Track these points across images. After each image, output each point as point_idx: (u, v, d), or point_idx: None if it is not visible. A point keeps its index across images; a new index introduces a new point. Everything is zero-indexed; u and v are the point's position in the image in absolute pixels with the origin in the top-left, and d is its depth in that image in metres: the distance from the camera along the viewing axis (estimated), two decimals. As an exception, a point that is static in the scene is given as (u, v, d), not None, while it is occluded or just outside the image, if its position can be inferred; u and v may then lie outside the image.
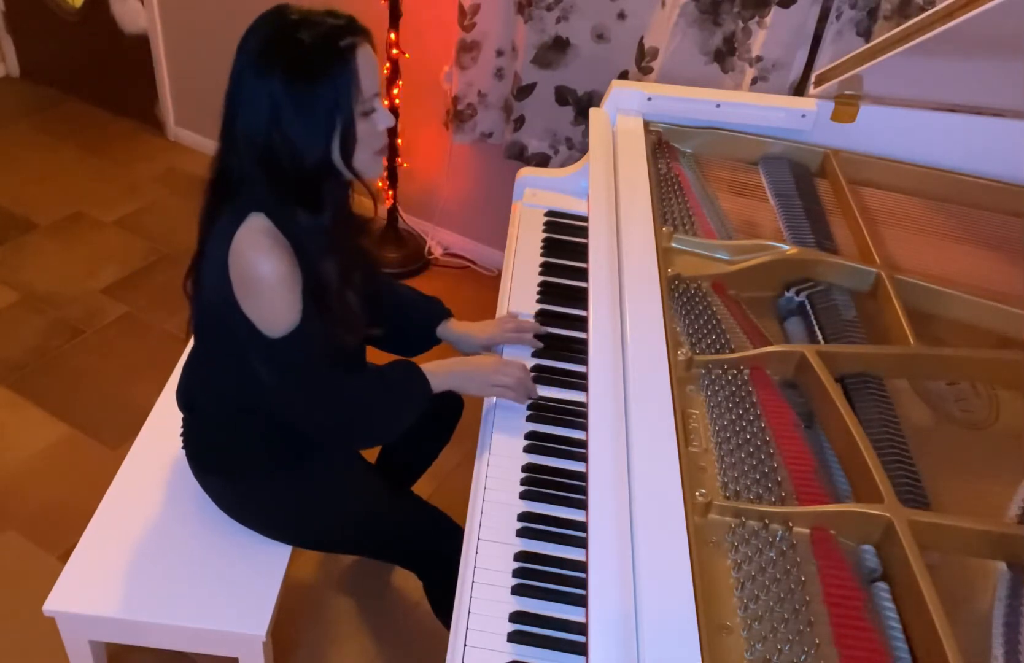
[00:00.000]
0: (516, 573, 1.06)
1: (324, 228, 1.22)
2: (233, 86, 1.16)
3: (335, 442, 1.39)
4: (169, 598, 1.34)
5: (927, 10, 1.35)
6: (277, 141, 1.14)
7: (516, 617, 1.01)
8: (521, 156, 2.52)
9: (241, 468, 1.39)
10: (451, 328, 1.51)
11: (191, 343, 1.41)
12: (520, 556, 1.08)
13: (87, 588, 1.34)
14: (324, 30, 1.13)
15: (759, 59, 2.03)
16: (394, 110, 2.66)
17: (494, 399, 1.30)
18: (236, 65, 1.16)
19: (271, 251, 1.15)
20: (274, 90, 1.12)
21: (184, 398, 1.43)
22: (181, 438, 1.45)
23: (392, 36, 2.53)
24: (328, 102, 1.14)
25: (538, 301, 1.50)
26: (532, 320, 1.45)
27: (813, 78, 1.65)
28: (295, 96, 1.12)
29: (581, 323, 1.42)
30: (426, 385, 1.32)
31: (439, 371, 1.33)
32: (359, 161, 1.21)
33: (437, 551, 1.45)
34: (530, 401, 1.31)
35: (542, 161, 2.51)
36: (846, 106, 1.60)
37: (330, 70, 1.13)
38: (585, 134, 2.38)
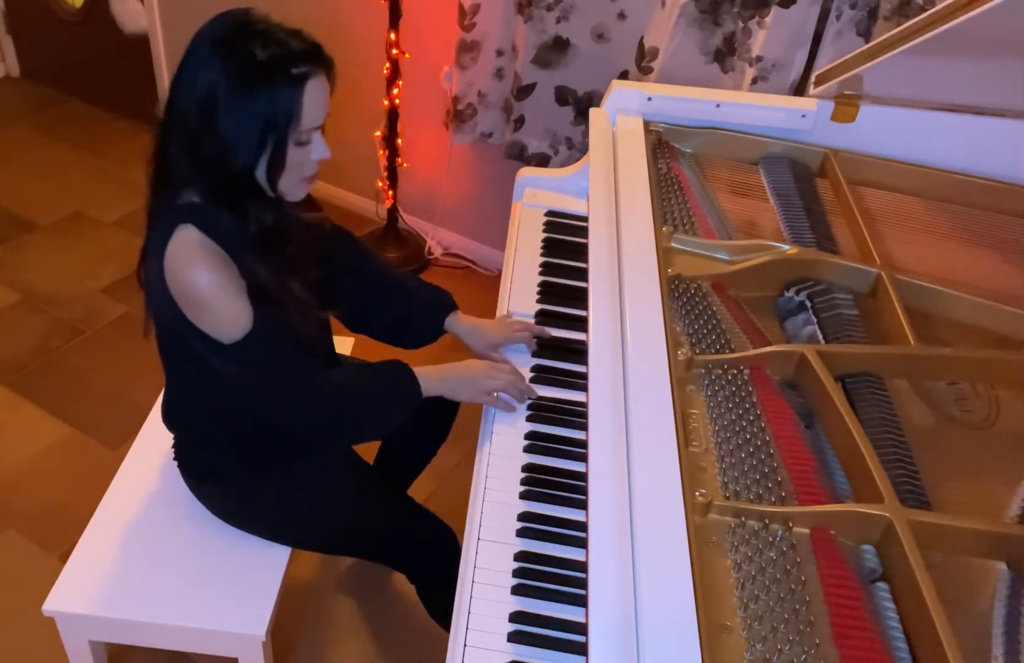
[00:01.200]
0: (516, 573, 1.06)
1: (251, 234, 1.19)
2: (181, 63, 1.15)
3: (319, 437, 1.37)
4: (169, 598, 1.34)
5: (927, 10, 1.35)
6: (207, 134, 1.13)
7: (516, 617, 1.01)
8: (521, 156, 2.52)
9: (232, 474, 1.40)
10: (459, 321, 1.49)
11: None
12: (520, 556, 1.08)
13: (87, 588, 1.34)
14: (280, 52, 1.11)
15: (759, 59, 2.03)
16: (394, 110, 2.66)
17: (494, 399, 1.30)
18: (190, 44, 1.14)
19: (203, 262, 1.14)
20: (215, 82, 1.10)
21: (168, 416, 1.43)
22: (172, 450, 1.46)
23: (392, 36, 2.53)
24: (262, 120, 1.12)
25: (538, 301, 1.50)
26: (534, 322, 1.45)
27: (813, 78, 1.65)
28: (232, 98, 1.10)
29: (581, 323, 1.42)
30: (416, 387, 1.31)
31: (432, 375, 1.33)
32: (284, 183, 1.20)
33: (432, 555, 1.45)
34: (529, 401, 1.31)
35: (542, 161, 2.51)
36: (846, 106, 1.60)
37: (273, 91, 1.11)
38: (585, 134, 2.37)
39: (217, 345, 1.18)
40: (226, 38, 1.12)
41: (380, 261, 1.56)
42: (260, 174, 1.17)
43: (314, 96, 1.14)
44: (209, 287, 1.14)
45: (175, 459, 1.45)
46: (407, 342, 1.54)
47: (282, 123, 1.13)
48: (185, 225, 1.15)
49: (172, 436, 1.47)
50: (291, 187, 1.22)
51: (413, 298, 1.53)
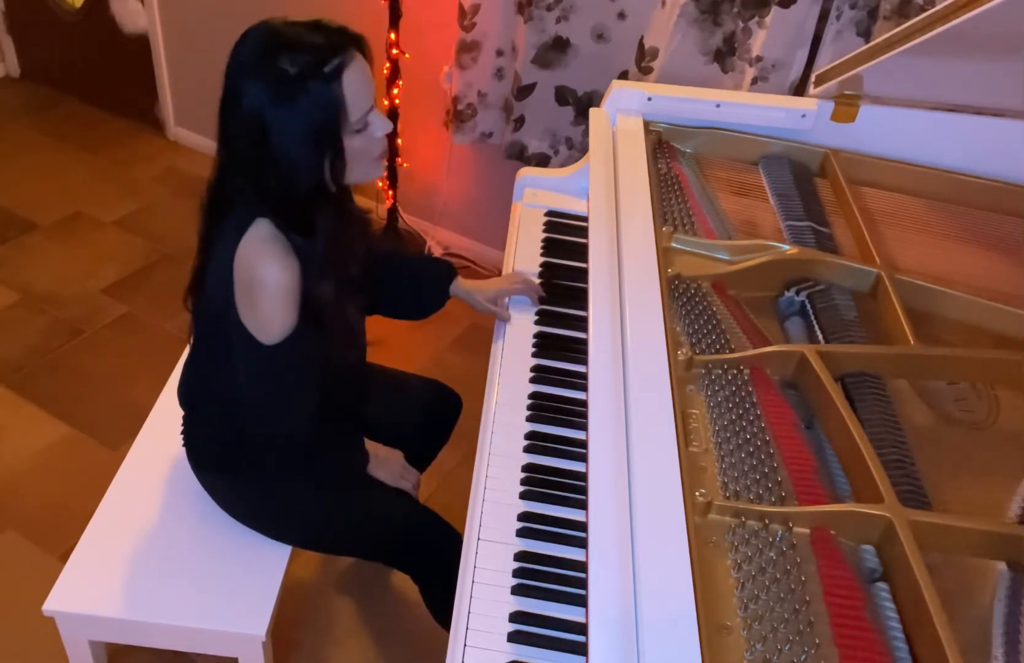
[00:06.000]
0: (516, 573, 1.06)
1: (318, 252, 1.20)
2: (224, 104, 1.15)
3: (277, 455, 1.38)
4: (169, 598, 1.34)
5: (927, 10, 1.35)
6: (266, 162, 1.14)
7: (516, 617, 1.01)
8: (521, 156, 2.52)
9: (239, 466, 1.40)
10: (461, 285, 1.53)
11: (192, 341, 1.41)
12: (520, 556, 1.08)
13: (87, 588, 1.34)
14: (308, 58, 1.11)
15: (759, 59, 2.03)
16: (394, 110, 2.66)
17: (494, 399, 1.30)
18: (226, 83, 1.14)
19: (279, 259, 1.16)
20: (258, 111, 1.11)
21: (184, 396, 1.43)
22: (181, 435, 1.46)
23: (392, 36, 2.53)
24: (312, 130, 1.13)
25: (538, 300, 1.50)
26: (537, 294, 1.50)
27: (813, 78, 1.65)
28: (278, 121, 1.11)
29: (581, 323, 1.42)
30: (365, 463, 1.41)
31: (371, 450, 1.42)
32: (355, 173, 1.22)
33: (434, 554, 1.45)
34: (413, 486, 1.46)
35: (542, 161, 2.51)
36: (846, 106, 1.60)
37: (312, 98, 1.11)
38: (585, 134, 2.38)
39: (249, 340, 1.20)
40: (255, 63, 1.12)
41: (383, 245, 1.58)
42: (328, 181, 1.18)
43: (354, 82, 1.14)
44: (276, 285, 1.16)
45: (183, 443, 1.45)
46: (418, 315, 1.59)
47: (331, 124, 1.13)
48: (264, 219, 1.16)
49: (172, 436, 1.48)
50: (364, 172, 1.23)
51: (418, 272, 1.58)
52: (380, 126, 1.20)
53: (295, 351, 1.22)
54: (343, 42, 1.14)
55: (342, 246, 1.27)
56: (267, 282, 1.16)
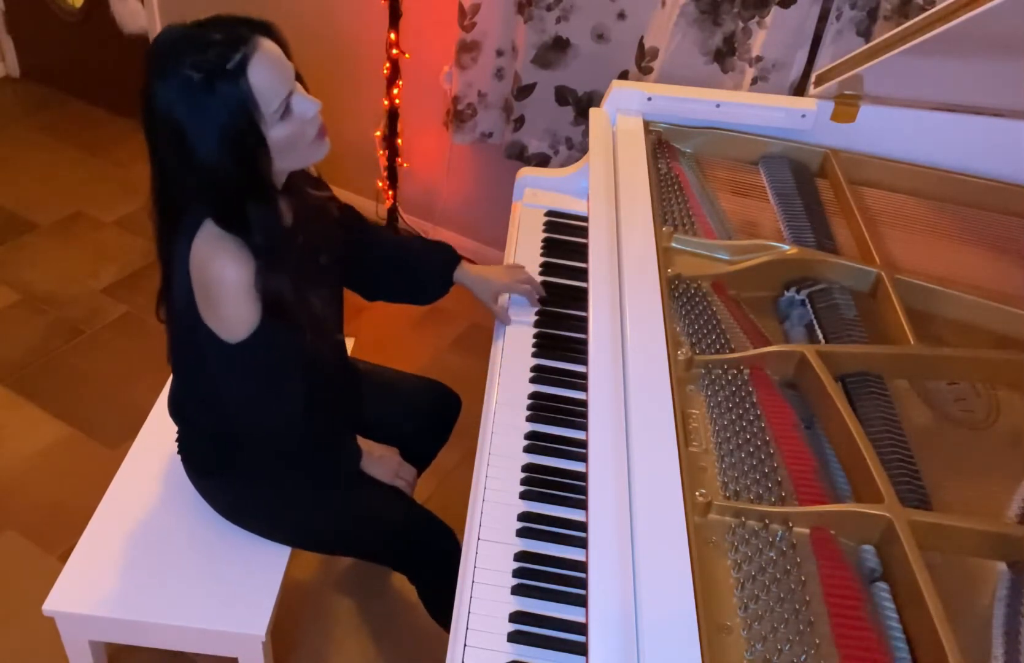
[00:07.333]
0: (516, 573, 1.06)
1: (263, 246, 1.17)
2: (143, 115, 1.13)
3: (268, 456, 1.37)
4: (169, 598, 1.34)
5: (927, 10, 1.35)
6: (190, 168, 1.12)
7: (516, 617, 1.01)
8: (521, 156, 2.52)
9: (232, 470, 1.40)
10: (465, 272, 1.51)
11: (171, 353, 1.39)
12: (520, 556, 1.08)
13: (87, 588, 1.34)
14: (209, 57, 1.07)
15: (759, 59, 2.03)
16: (394, 110, 2.66)
17: (494, 399, 1.30)
18: (142, 93, 1.12)
19: (232, 255, 1.14)
20: (171, 120, 1.09)
21: (173, 408, 1.43)
22: (176, 442, 1.46)
23: (392, 36, 2.53)
24: (225, 131, 1.09)
25: (538, 300, 1.50)
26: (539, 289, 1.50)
27: (813, 78, 1.65)
28: (192, 127, 1.08)
29: (581, 323, 1.42)
30: (358, 459, 1.40)
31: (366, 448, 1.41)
32: (294, 160, 1.19)
33: (429, 554, 1.46)
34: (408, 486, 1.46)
35: (542, 161, 2.51)
36: (846, 106, 1.60)
37: (220, 98, 1.07)
38: (585, 134, 2.37)
39: (218, 343, 1.19)
40: (162, 73, 1.09)
41: (385, 230, 1.58)
42: (258, 173, 1.16)
43: (263, 72, 1.10)
44: (231, 283, 1.14)
45: (178, 451, 1.45)
46: (421, 300, 1.57)
47: (244, 121, 1.10)
48: (211, 220, 1.15)
49: (172, 436, 1.48)
50: (304, 156, 1.21)
51: (422, 258, 1.55)
52: (307, 107, 1.16)
53: (265, 347, 1.21)
54: (245, 33, 1.10)
55: (295, 236, 1.24)
56: (222, 281, 1.14)
